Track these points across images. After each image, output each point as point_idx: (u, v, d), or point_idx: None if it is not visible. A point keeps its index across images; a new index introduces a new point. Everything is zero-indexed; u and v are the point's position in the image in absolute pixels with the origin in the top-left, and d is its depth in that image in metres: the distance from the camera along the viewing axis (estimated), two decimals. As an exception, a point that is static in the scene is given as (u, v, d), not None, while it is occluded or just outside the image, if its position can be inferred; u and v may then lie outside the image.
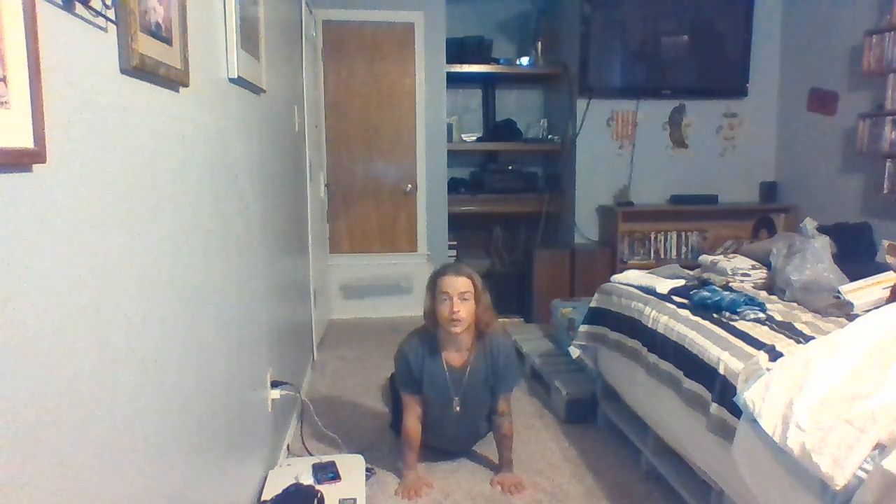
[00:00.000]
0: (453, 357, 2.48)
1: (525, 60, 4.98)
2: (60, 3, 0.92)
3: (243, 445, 1.95)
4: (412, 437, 2.49)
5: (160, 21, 1.23)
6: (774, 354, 1.82)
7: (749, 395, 1.68)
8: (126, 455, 1.10)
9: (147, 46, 1.16)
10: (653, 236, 4.81)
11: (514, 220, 5.28)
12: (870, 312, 1.91)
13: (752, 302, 2.29)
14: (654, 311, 2.44)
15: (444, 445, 2.65)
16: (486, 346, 2.48)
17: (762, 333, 2.04)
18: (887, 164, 3.69)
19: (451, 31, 4.83)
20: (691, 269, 3.07)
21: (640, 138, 4.83)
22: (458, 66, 4.86)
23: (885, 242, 3.11)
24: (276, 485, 2.14)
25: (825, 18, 4.32)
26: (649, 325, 2.41)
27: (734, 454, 1.76)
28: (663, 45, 4.75)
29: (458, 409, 2.48)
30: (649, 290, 2.65)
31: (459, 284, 2.35)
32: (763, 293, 2.62)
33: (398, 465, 2.55)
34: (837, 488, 1.38)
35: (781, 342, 1.94)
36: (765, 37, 4.75)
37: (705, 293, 2.42)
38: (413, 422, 2.49)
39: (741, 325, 2.15)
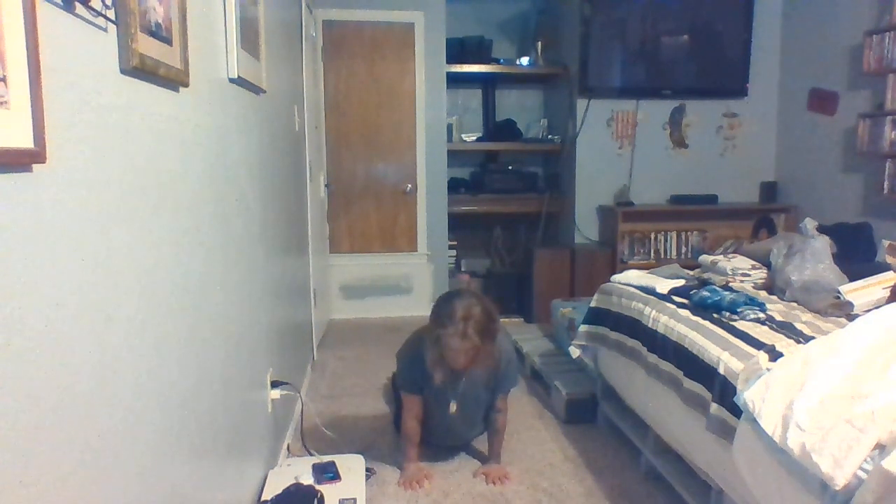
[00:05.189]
0: None
1: (525, 60, 4.98)
2: (60, 3, 0.92)
3: (243, 445, 1.95)
4: (411, 433, 2.51)
5: (160, 21, 1.23)
6: (774, 354, 1.82)
7: (749, 395, 1.68)
8: (126, 455, 1.10)
9: (147, 46, 1.16)
10: (653, 236, 4.81)
11: (514, 220, 5.28)
12: (870, 312, 1.91)
13: (752, 302, 2.29)
14: (654, 311, 2.44)
15: (442, 442, 2.67)
16: None
17: (762, 333, 2.04)
18: (887, 164, 3.68)
19: (451, 31, 4.83)
20: (691, 269, 3.07)
21: (640, 138, 4.83)
22: (458, 66, 4.85)
23: (885, 242, 3.11)
24: (276, 485, 2.14)
25: (825, 18, 4.32)
26: (649, 325, 2.41)
27: (734, 454, 1.76)
28: (663, 45, 4.75)
29: (454, 410, 2.49)
30: (649, 290, 2.65)
31: (466, 347, 2.23)
32: (763, 293, 2.62)
33: (399, 461, 2.56)
34: (837, 488, 1.38)
35: (781, 342, 1.94)
36: (765, 37, 4.75)
37: (705, 293, 2.42)
38: (412, 420, 2.51)
39: (741, 325, 2.15)
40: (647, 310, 2.48)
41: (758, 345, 1.92)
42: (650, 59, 4.75)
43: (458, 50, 4.88)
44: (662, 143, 4.87)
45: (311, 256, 3.78)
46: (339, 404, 3.25)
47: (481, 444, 2.68)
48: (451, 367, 2.32)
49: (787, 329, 2.09)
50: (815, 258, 2.54)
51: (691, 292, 2.51)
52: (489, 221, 5.31)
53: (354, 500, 2.13)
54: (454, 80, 4.95)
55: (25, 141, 0.80)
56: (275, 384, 2.38)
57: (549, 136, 5.12)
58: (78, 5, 0.95)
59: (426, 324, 2.48)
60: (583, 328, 2.98)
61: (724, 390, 1.87)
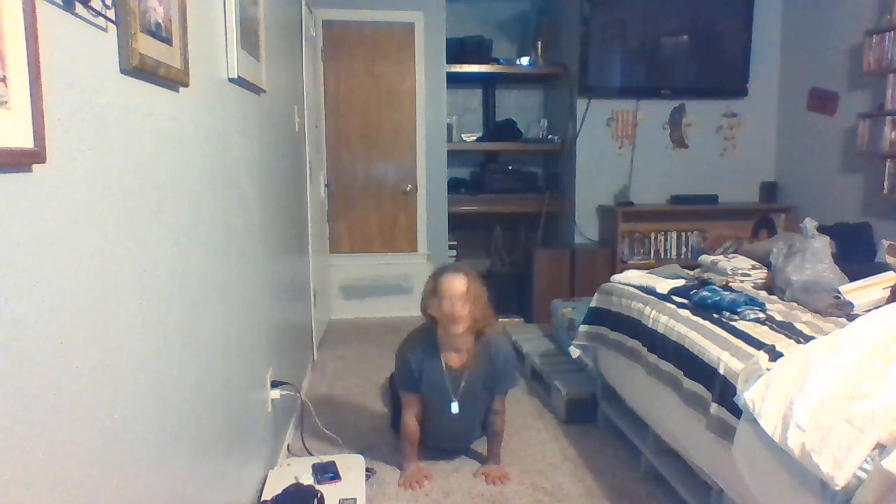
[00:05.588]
0: (452, 358, 2.48)
1: (525, 60, 4.98)
2: (60, 3, 0.92)
3: (243, 445, 1.95)
4: (411, 432, 2.52)
5: (160, 21, 1.23)
6: (774, 354, 1.82)
7: (749, 395, 1.68)
8: (126, 455, 1.10)
9: (147, 46, 1.16)
10: (653, 236, 4.81)
11: (514, 220, 5.28)
12: (870, 312, 1.91)
13: (752, 302, 2.29)
14: (654, 311, 2.44)
15: (442, 444, 2.66)
16: (486, 348, 2.48)
17: (762, 333, 2.04)
18: (887, 164, 3.68)
19: (451, 31, 4.83)
20: (691, 269, 3.07)
21: (640, 138, 4.83)
22: (458, 66, 4.85)
23: (885, 242, 3.11)
24: (276, 485, 2.14)
25: (825, 18, 4.31)
26: (649, 325, 2.41)
27: (734, 454, 1.76)
28: (663, 45, 4.75)
29: (456, 410, 2.49)
30: (649, 290, 2.65)
31: (457, 284, 2.36)
32: (763, 293, 2.62)
33: (399, 461, 2.56)
34: (837, 488, 1.38)
35: (781, 342, 1.94)
36: (765, 37, 4.75)
37: (705, 293, 2.42)
38: (411, 419, 2.52)
39: (741, 325, 2.15)
40: (647, 310, 2.48)
41: (758, 345, 1.92)
42: (650, 59, 4.75)
43: (458, 50, 4.88)
44: (662, 143, 4.87)
45: (311, 256, 3.78)
46: (339, 404, 3.25)
47: (481, 444, 2.68)
48: (452, 320, 2.34)
49: (787, 329, 2.09)
50: (815, 258, 2.54)
51: (691, 292, 2.51)
52: (489, 221, 5.31)
53: (354, 500, 2.13)
54: (454, 80, 4.95)
55: (25, 141, 0.80)
56: (275, 384, 2.38)
57: (549, 136, 5.12)
58: (78, 5, 0.95)
59: (422, 323, 2.49)
60: (583, 328, 2.98)
61: (724, 390, 1.87)
